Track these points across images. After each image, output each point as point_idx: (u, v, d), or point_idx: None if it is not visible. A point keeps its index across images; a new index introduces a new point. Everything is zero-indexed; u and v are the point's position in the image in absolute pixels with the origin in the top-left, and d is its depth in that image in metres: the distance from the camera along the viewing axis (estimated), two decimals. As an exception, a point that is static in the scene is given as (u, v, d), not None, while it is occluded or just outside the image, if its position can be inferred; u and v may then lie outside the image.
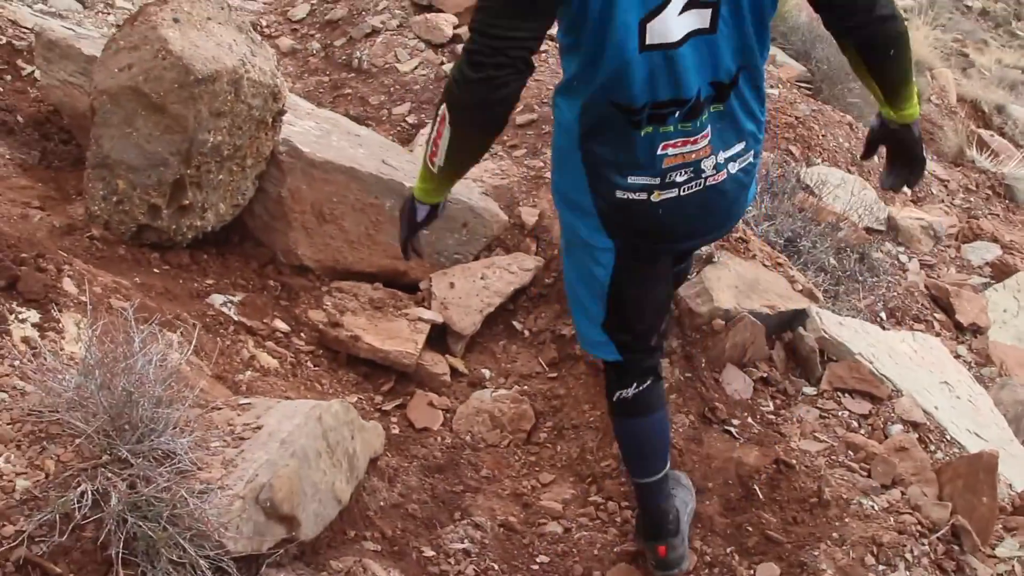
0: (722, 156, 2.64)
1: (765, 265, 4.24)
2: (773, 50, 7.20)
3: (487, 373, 4.13)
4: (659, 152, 2.56)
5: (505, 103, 2.42)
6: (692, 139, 2.57)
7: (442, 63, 6.11)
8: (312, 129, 4.51)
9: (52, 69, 4.53)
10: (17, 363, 2.69)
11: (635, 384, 3.06)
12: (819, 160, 6.48)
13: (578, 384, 3.95)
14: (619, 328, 2.98)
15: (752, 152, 2.72)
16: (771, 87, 6.68)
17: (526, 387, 4.03)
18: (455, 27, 6.30)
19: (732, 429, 3.64)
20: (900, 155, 2.85)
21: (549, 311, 4.31)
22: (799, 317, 4.04)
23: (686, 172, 2.61)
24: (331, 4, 7.09)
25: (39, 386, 2.55)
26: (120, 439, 2.43)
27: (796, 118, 6.78)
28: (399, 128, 5.75)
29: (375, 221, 4.25)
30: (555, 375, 4.06)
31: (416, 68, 6.12)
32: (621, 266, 2.83)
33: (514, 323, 4.33)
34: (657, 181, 2.61)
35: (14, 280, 2.98)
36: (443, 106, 2.47)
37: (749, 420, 3.69)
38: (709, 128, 2.57)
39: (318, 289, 4.18)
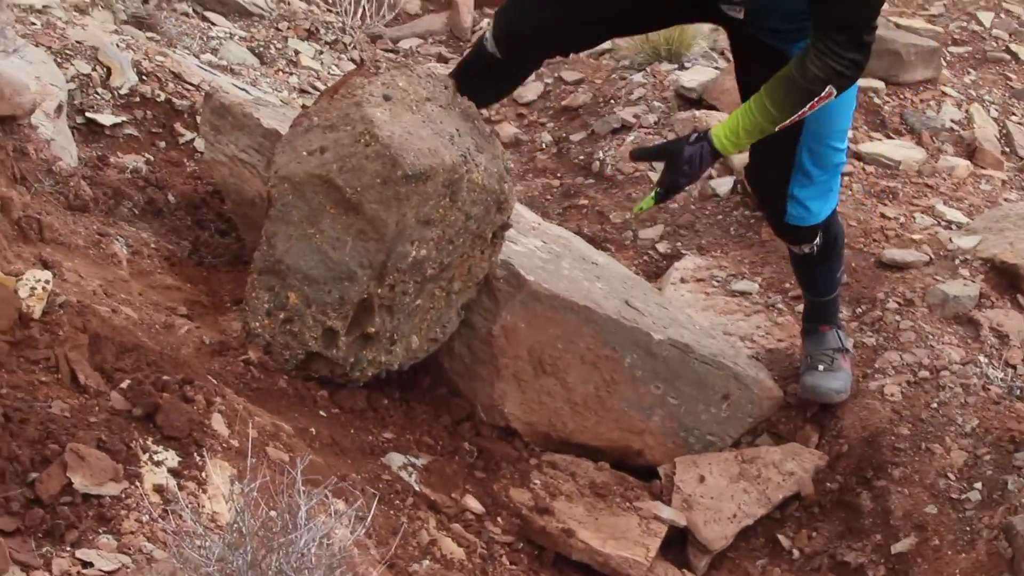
0: None
1: None
2: None
3: (738, 601, 4.05)
4: None
5: None
6: None
7: (710, 176, 6.12)
8: (539, 250, 4.57)
9: (220, 141, 4.71)
10: (147, 519, 2.76)
11: None
12: None
13: (865, 635, 3.84)
14: None
15: None
16: None
17: (790, 626, 3.94)
18: (731, 131, 6.33)
19: None
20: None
21: (829, 528, 4.22)
22: None
23: None
24: (570, 86, 7.25)
25: (172, 552, 2.61)
26: (266, 636, 2.46)
27: None
28: (646, 257, 5.78)
29: (608, 380, 4.26)
30: (832, 617, 3.96)
31: (675, 180, 6.16)
32: None
33: (779, 537, 4.26)
34: None
35: (153, 410, 3.08)
36: (829, 87, 3.72)
37: None
38: None
39: (525, 461, 4.20)
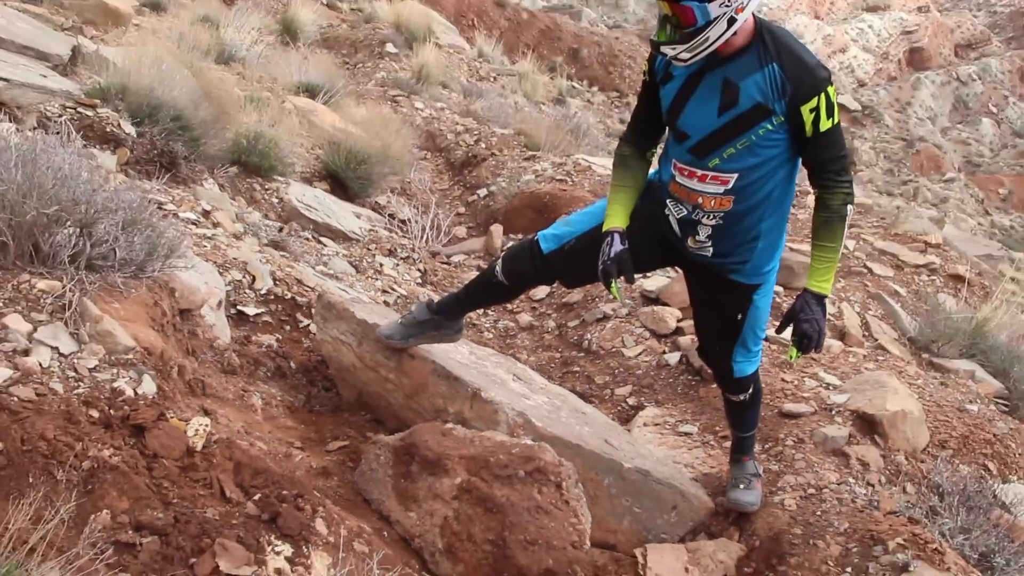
0: None
1: (959, 579, 3.95)
2: (972, 366, 6.97)
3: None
4: None
5: None
6: None
7: (664, 351, 6.12)
8: (544, 404, 4.56)
9: (327, 327, 4.77)
10: (269, 594, 2.73)
11: None
12: (1015, 478, 6.10)
13: None
14: None
15: None
16: (970, 403, 6.40)
17: None
18: (678, 320, 6.33)
19: None
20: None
21: (747, 600, 4.12)
22: (996, 639, 3.72)
23: None
24: (568, 290, 7.28)
25: (285, 619, 2.57)
26: None
27: (993, 435, 6.45)
28: (620, 408, 5.74)
29: (592, 495, 4.19)
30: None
31: (640, 354, 6.15)
32: None
33: (712, 609, 4.15)
34: None
35: (275, 515, 3.08)
36: (848, 207, 3.69)
37: None
38: None
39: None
